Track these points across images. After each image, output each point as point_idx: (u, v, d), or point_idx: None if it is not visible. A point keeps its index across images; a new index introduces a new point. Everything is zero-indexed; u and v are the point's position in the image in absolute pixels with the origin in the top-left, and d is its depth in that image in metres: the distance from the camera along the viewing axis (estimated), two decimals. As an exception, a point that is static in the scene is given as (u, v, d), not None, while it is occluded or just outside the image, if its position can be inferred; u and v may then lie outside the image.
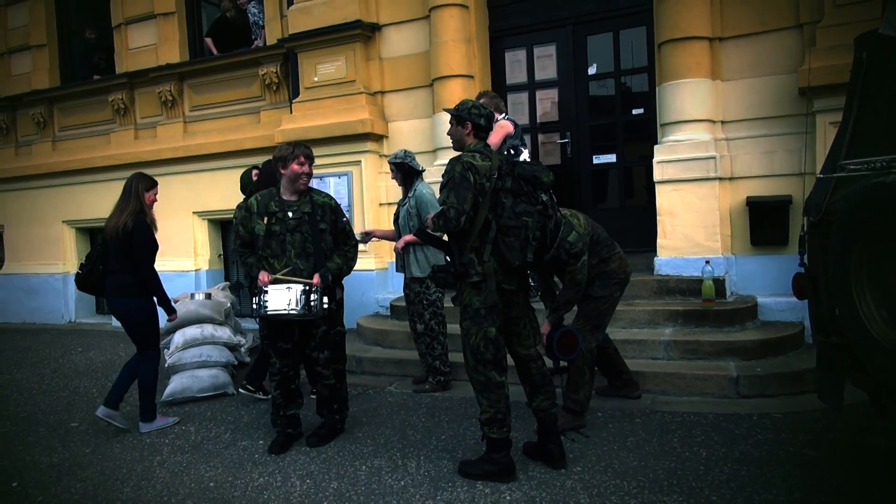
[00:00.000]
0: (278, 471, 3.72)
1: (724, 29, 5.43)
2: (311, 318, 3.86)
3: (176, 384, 5.15)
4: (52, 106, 9.16)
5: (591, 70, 6.42)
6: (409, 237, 4.76)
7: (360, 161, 6.75)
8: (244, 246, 4.04)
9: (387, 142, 6.91)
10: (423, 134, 6.68)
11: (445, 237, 3.47)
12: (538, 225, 3.28)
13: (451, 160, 3.37)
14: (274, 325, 3.95)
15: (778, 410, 4.09)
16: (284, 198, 3.97)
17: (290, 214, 3.92)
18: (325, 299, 3.87)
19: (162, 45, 8.29)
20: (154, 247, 4.46)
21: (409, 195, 4.93)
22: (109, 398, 4.44)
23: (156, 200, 4.57)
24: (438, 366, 4.94)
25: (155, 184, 4.58)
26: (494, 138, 5.32)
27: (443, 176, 3.36)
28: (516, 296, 3.43)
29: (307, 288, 3.82)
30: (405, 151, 4.98)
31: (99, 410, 4.43)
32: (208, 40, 8.14)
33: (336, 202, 4.13)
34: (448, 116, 5.56)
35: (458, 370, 4.98)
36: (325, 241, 3.98)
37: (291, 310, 3.80)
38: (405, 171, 4.94)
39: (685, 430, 3.89)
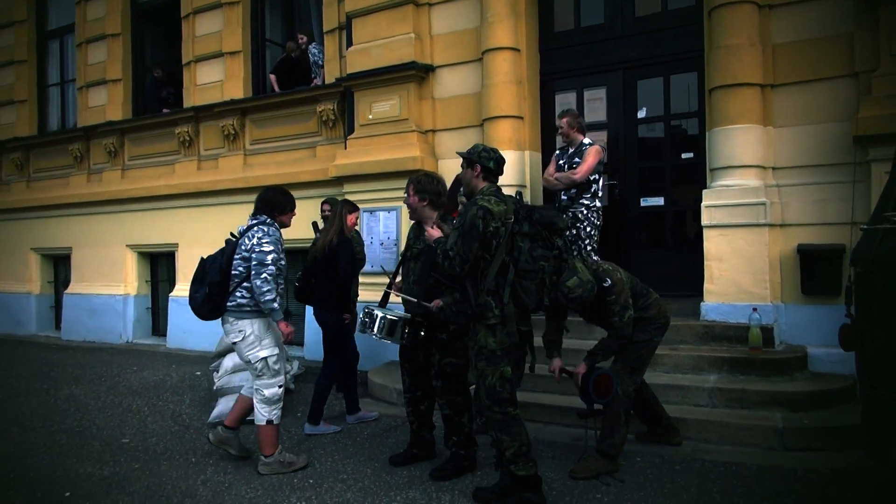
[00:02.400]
0: (315, 496, 3.80)
1: (776, 76, 5.42)
2: (394, 342, 3.97)
3: (223, 406, 5.30)
4: (123, 136, 9.69)
5: (641, 114, 6.47)
6: None
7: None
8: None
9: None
10: (472, 172, 6.80)
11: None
12: (553, 269, 3.38)
13: (466, 203, 3.48)
14: (402, 345, 4.06)
15: (824, 465, 3.97)
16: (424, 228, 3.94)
17: (419, 244, 4.05)
18: (422, 333, 3.91)
19: (227, 81, 8.72)
20: (354, 260, 5.25)
21: None
22: (310, 415, 5.03)
23: (356, 224, 5.28)
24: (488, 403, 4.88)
25: (357, 209, 5.38)
26: (588, 163, 5.52)
27: (457, 217, 3.46)
28: (529, 337, 3.51)
29: (387, 317, 3.93)
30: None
31: (306, 428, 5.00)
32: (272, 77, 8.52)
33: None
34: None
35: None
36: (439, 273, 3.71)
37: (385, 337, 3.95)
38: None
39: (725, 481, 3.81)
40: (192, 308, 4.24)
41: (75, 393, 6.54)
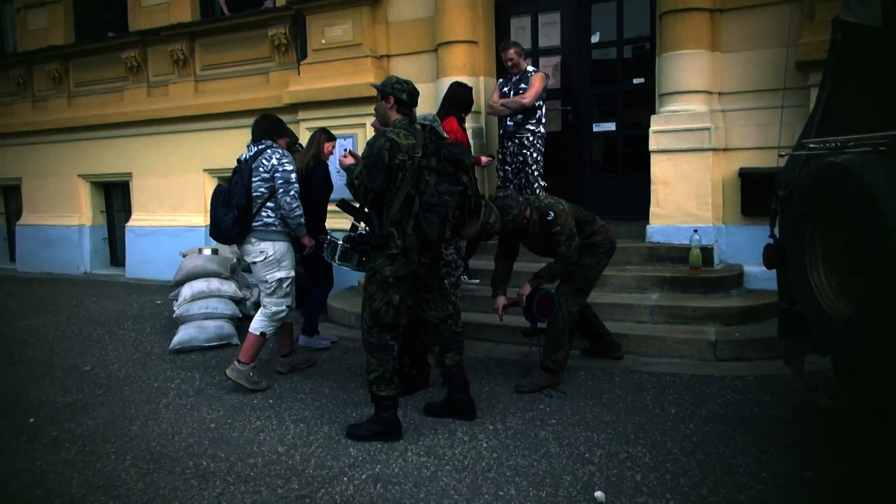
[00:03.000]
0: (275, 415, 3.99)
1: (725, 1, 5.47)
2: (350, 268, 4.03)
3: (183, 334, 5.42)
4: (66, 62, 9.32)
5: (595, 38, 6.48)
6: None
7: (364, 123, 6.88)
8: None
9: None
10: (428, 99, 6.70)
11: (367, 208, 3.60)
12: (458, 204, 3.46)
13: (375, 134, 3.55)
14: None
15: (751, 374, 4.29)
16: None
17: None
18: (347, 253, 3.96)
19: (174, 3, 8.40)
20: (328, 184, 5.28)
21: None
22: (304, 328, 5.29)
23: (332, 153, 5.31)
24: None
25: (334, 139, 5.39)
26: (536, 87, 5.57)
27: (365, 147, 3.53)
28: (430, 267, 3.63)
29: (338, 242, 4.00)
30: (434, 115, 4.93)
31: (301, 340, 5.25)
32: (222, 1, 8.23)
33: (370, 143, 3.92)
34: (449, 81, 5.83)
35: (474, 330, 5.21)
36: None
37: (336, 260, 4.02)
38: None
39: (659, 390, 4.10)
40: (219, 231, 4.36)
41: (34, 324, 6.58)
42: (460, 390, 3.80)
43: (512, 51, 5.72)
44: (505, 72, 5.98)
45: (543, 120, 5.70)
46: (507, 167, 5.92)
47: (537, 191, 5.67)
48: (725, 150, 5.54)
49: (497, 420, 3.75)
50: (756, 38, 5.36)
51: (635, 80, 6.33)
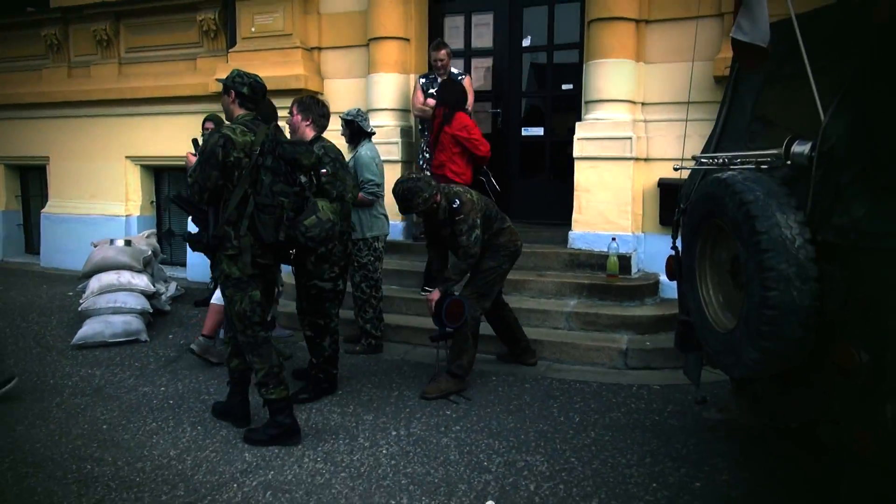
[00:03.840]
0: (173, 416, 3.84)
1: (650, 11, 5.56)
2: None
3: (88, 328, 5.19)
4: (-19, 36, 8.81)
5: (526, 42, 6.49)
6: None
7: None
8: None
9: (322, 99, 6.87)
10: (359, 94, 6.68)
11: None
12: (294, 206, 3.35)
13: (212, 130, 3.47)
14: None
15: (658, 382, 4.36)
16: None
17: None
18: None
19: (99, -20, 8.03)
20: None
21: (353, 154, 4.87)
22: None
23: None
24: (369, 329, 4.92)
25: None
26: (472, 94, 5.62)
27: (203, 143, 3.48)
28: (271, 269, 3.58)
29: None
30: (358, 110, 4.93)
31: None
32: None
33: (326, 153, 3.99)
34: (380, 77, 5.74)
35: (392, 331, 5.17)
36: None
37: None
38: (353, 130, 4.87)
39: (567, 397, 4.13)
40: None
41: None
42: (236, 395, 3.73)
43: (444, 52, 5.71)
44: (433, 70, 5.93)
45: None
46: (424, 165, 5.87)
47: None
48: (647, 159, 5.63)
49: (401, 425, 3.71)
50: (678, 51, 5.44)
51: (564, 86, 6.38)
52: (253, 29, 6.89)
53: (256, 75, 3.57)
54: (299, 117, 4.03)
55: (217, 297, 4.54)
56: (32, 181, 9.13)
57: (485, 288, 4.18)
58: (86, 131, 8.11)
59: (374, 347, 4.97)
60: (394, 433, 3.62)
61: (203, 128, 5.99)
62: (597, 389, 4.26)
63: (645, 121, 5.65)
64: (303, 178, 3.43)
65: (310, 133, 4.03)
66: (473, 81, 6.68)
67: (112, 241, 5.84)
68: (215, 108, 6.83)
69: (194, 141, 5.91)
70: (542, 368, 4.65)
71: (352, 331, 5.14)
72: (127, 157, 8.01)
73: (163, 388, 4.29)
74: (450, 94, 5.37)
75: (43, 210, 8.53)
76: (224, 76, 6.77)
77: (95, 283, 5.43)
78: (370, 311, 4.91)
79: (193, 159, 3.72)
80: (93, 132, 8.08)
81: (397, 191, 4.04)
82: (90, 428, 3.70)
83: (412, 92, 6.22)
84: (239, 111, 3.49)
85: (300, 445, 3.46)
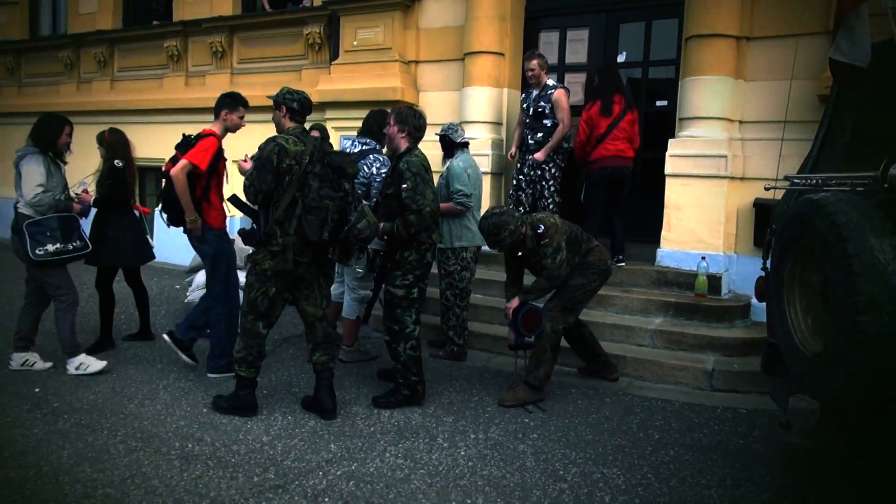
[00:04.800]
0: (265, 405, 4.09)
1: (752, 29, 5.44)
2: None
3: (193, 319, 5.56)
4: (112, 47, 9.64)
5: (621, 58, 6.47)
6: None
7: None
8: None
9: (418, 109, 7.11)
10: (453, 106, 6.86)
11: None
12: (337, 209, 3.73)
13: (268, 139, 3.76)
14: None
15: (744, 406, 4.25)
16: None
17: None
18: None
19: (217, -4, 8.64)
20: None
21: (447, 165, 5.02)
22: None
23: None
24: (452, 336, 5.03)
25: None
26: (567, 109, 5.73)
27: (258, 150, 3.78)
28: (309, 267, 3.86)
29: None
30: (450, 124, 5.09)
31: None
32: (261, -4, 8.44)
33: (409, 167, 4.02)
34: (473, 91, 6.07)
35: (476, 339, 5.27)
36: (391, 205, 4.09)
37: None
38: (446, 144, 5.04)
39: (647, 414, 4.10)
40: None
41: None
42: (323, 390, 3.97)
43: (535, 62, 5.75)
44: (528, 85, 6.02)
45: (567, 136, 5.75)
46: (521, 176, 5.95)
47: (549, 206, 5.70)
48: (742, 178, 5.49)
49: (480, 430, 3.80)
50: (781, 69, 5.29)
51: (658, 103, 6.31)
52: (355, 42, 7.21)
53: (304, 92, 3.98)
54: (395, 128, 4.14)
55: (347, 312, 4.94)
56: (149, 182, 9.86)
57: (570, 303, 4.22)
58: (198, 136, 8.70)
59: (457, 354, 5.08)
60: (472, 436, 3.71)
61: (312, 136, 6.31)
62: (679, 409, 4.20)
63: (742, 139, 5.52)
64: (346, 185, 3.81)
65: (404, 144, 4.13)
66: (571, 96, 6.74)
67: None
68: (317, 117, 7.21)
69: None
70: (624, 384, 4.63)
71: (438, 336, 5.27)
72: (232, 160, 8.50)
73: (258, 379, 4.55)
74: (616, 80, 5.59)
75: (157, 208, 9.19)
76: (326, 87, 7.22)
77: (200, 277, 5.82)
78: (453, 319, 5.03)
79: (245, 166, 4.02)
80: (205, 137, 8.64)
81: (483, 226, 4.14)
82: (192, 410, 3.99)
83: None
84: (289, 124, 3.89)
85: (382, 441, 3.61)
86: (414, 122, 4.15)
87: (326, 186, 3.73)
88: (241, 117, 4.64)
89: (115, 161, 5.17)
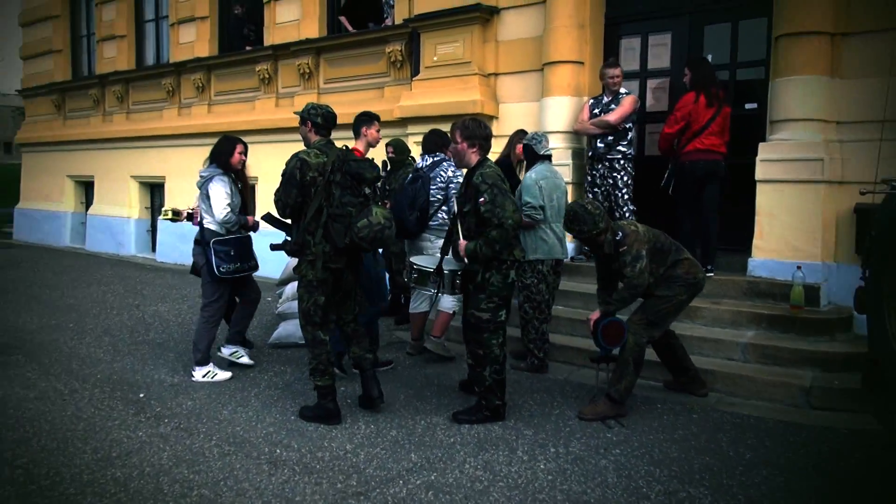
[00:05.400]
0: (349, 414, 4.20)
1: (848, 24, 5.13)
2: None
3: (282, 329, 5.81)
4: (209, 72, 10.22)
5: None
6: None
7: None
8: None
9: (497, 123, 7.14)
10: (532, 117, 6.84)
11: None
12: (360, 213, 3.93)
13: (292, 155, 4.04)
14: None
15: (844, 425, 4.00)
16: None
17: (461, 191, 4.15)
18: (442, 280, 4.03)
19: (304, 20, 9.00)
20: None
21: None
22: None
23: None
24: (532, 349, 5.01)
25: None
26: (625, 108, 5.73)
27: (285, 166, 4.02)
28: (343, 273, 4.09)
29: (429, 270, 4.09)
30: (534, 134, 5.09)
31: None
32: (343, 18, 8.70)
33: (483, 180, 3.88)
34: (553, 101, 6.12)
35: (557, 352, 5.22)
36: (469, 221, 3.96)
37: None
38: (528, 154, 5.03)
39: (738, 432, 3.92)
40: (402, 230, 5.02)
41: (160, 310, 7.26)
42: (368, 381, 4.19)
43: (618, 70, 5.80)
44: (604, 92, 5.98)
45: (633, 142, 5.73)
46: (595, 189, 5.89)
47: (626, 215, 5.59)
48: (840, 182, 5.18)
49: (560, 443, 3.75)
50: (879, 65, 4.96)
51: (747, 106, 6.06)
52: (435, 58, 7.33)
53: (328, 106, 4.20)
54: (465, 144, 4.00)
55: (445, 305, 5.20)
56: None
57: (655, 316, 4.11)
58: (289, 155, 9.04)
59: (538, 367, 5.04)
60: (552, 450, 3.67)
61: (386, 151, 6.48)
62: (773, 427, 4.00)
63: (840, 141, 5.22)
64: (367, 190, 4.04)
65: (475, 159, 4.02)
66: (648, 101, 6.61)
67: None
68: (399, 132, 7.40)
69: (383, 163, 6.40)
70: (713, 400, 4.45)
71: (519, 347, 5.24)
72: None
73: (342, 388, 4.66)
74: (712, 74, 5.50)
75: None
76: (407, 102, 7.38)
77: (290, 289, 6.05)
78: (533, 332, 5.00)
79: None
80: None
81: (567, 209, 4.21)
82: (280, 417, 4.16)
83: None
84: (315, 137, 4.13)
85: (462, 452, 3.63)
86: (481, 133, 4.04)
87: (348, 193, 3.96)
88: (378, 130, 4.89)
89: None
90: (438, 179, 5.18)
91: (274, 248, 4.19)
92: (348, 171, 3.98)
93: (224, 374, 4.90)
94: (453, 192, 4.86)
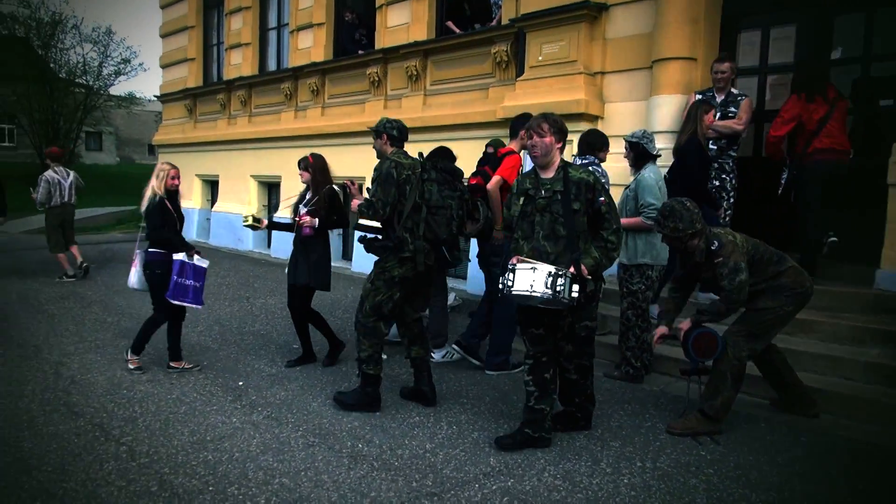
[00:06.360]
0: (433, 413, 4.21)
1: None
2: (555, 305, 3.42)
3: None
4: (324, 77, 10.61)
5: (836, 54, 5.75)
6: (625, 221, 4.48)
7: (571, 140, 6.83)
8: (506, 228, 3.90)
9: (602, 122, 6.93)
10: (639, 116, 6.57)
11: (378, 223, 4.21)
12: (458, 206, 4.16)
13: (380, 160, 4.20)
14: (523, 309, 3.63)
15: (980, 460, 3.53)
16: (541, 176, 3.64)
17: (542, 193, 3.58)
18: (576, 288, 3.40)
19: (413, 24, 9.14)
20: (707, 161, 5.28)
21: (636, 177, 4.84)
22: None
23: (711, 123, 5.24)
24: (629, 357, 4.83)
25: (713, 107, 5.27)
26: (749, 114, 5.57)
27: (373, 173, 4.03)
28: (431, 271, 4.24)
29: (554, 272, 3.38)
30: (644, 132, 4.87)
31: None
32: (450, 23, 8.77)
33: (597, 178, 3.57)
34: (661, 99, 6.01)
35: (656, 361, 5.00)
36: (578, 222, 3.51)
37: (534, 292, 3.38)
38: (638, 153, 4.80)
39: (851, 459, 3.56)
40: None
41: (268, 302, 7.61)
42: (423, 380, 4.36)
43: (729, 65, 5.54)
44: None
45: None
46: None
47: (726, 218, 5.29)
48: None
49: (648, 458, 3.56)
50: None
51: (882, 102, 5.50)
52: (540, 57, 7.21)
53: (400, 121, 4.39)
54: (552, 139, 3.55)
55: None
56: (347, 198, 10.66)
57: (758, 328, 3.81)
58: (394, 155, 9.26)
59: (633, 376, 4.83)
60: (639, 464, 3.49)
61: (485, 151, 6.43)
62: (892, 455, 3.59)
63: None
64: (460, 185, 4.21)
65: (559, 156, 3.61)
66: (767, 98, 6.19)
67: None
68: (502, 132, 7.30)
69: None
70: (826, 423, 4.06)
71: (615, 356, 5.05)
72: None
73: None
74: (822, 69, 5.40)
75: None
76: (511, 103, 7.31)
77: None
78: (632, 340, 4.80)
79: (357, 202, 4.33)
80: (399, 156, 9.19)
81: (664, 204, 3.94)
82: (364, 413, 4.21)
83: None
84: (390, 149, 4.30)
85: (542, 460, 3.52)
86: (565, 128, 3.63)
87: (445, 188, 4.13)
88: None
89: (333, 185, 5.31)
90: None
91: (369, 250, 4.22)
92: (443, 168, 4.20)
93: (457, 355, 5.30)
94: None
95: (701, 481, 3.29)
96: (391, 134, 4.30)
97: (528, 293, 3.39)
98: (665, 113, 6.22)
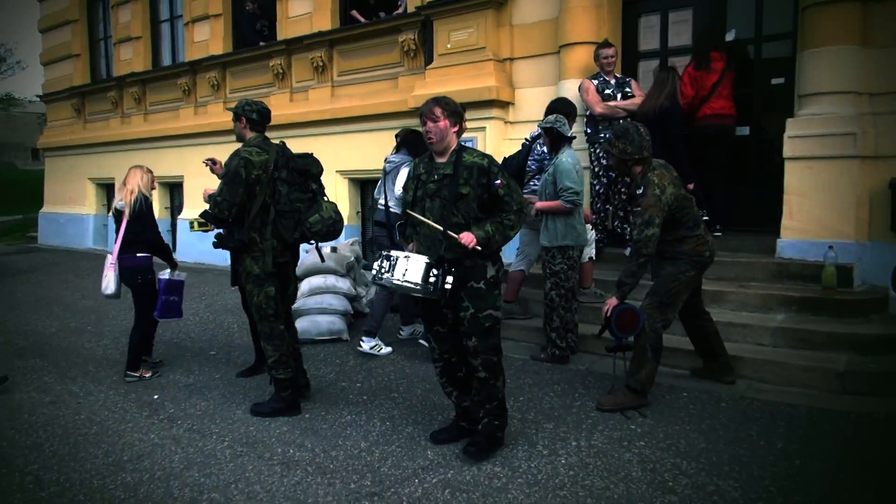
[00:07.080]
0: (365, 411, 4.11)
1: (881, -12, 4.89)
2: (426, 295, 3.29)
3: (297, 326, 5.68)
4: (224, 70, 10.17)
5: (730, 36, 6.01)
6: (542, 204, 4.82)
7: (484, 127, 6.90)
8: (403, 214, 3.59)
9: (513, 108, 7.00)
10: (549, 101, 6.65)
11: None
12: (307, 207, 3.99)
13: (232, 154, 3.97)
14: (426, 306, 3.47)
15: (882, 411, 3.79)
16: (436, 160, 3.41)
17: (434, 177, 3.38)
18: (450, 280, 3.23)
19: (316, 13, 8.89)
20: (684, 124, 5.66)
21: (553, 162, 4.86)
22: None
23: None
24: (554, 338, 4.86)
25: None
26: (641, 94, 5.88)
27: (224, 167, 3.95)
28: (288, 266, 4.19)
29: (427, 262, 3.24)
30: (556, 117, 4.88)
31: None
32: (354, 12, 8.59)
33: (491, 162, 3.34)
34: (571, 84, 5.92)
35: (580, 342, 5.02)
36: (469, 207, 3.29)
37: (406, 282, 3.23)
38: (553, 137, 4.85)
39: (769, 420, 3.74)
40: None
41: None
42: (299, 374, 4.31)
43: (613, 49, 5.93)
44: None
45: None
46: (602, 179, 5.81)
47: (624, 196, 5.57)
48: (875, 157, 4.93)
49: (582, 436, 3.61)
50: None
51: (774, 81, 5.81)
52: (449, 45, 7.18)
53: (262, 102, 4.16)
54: (447, 122, 3.33)
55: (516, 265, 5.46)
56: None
57: (666, 297, 3.92)
58: (304, 149, 8.91)
59: (559, 357, 4.89)
60: (574, 444, 3.53)
61: (396, 140, 6.34)
62: (806, 414, 3.80)
63: (873, 113, 4.97)
64: (313, 185, 4.05)
65: (455, 140, 3.39)
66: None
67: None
68: (413, 122, 7.24)
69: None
70: (742, 388, 4.26)
71: (540, 339, 5.11)
72: (337, 171, 8.73)
73: (358, 385, 4.60)
74: (712, 38, 5.80)
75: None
76: (422, 92, 7.24)
77: (306, 285, 5.98)
78: (556, 321, 4.85)
79: (209, 191, 4.25)
80: (308, 150, 8.83)
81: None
82: (295, 416, 4.06)
83: (585, 94, 5.96)
84: (250, 134, 4.09)
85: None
86: (460, 110, 3.42)
87: (295, 189, 3.98)
88: None
89: None
90: (535, 153, 5.36)
91: (217, 245, 4.12)
92: (295, 167, 4.01)
93: (386, 349, 5.31)
94: (548, 164, 4.97)
95: (634, 454, 3.37)
96: (250, 117, 4.08)
97: (400, 282, 3.25)
98: (574, 97, 6.31)
